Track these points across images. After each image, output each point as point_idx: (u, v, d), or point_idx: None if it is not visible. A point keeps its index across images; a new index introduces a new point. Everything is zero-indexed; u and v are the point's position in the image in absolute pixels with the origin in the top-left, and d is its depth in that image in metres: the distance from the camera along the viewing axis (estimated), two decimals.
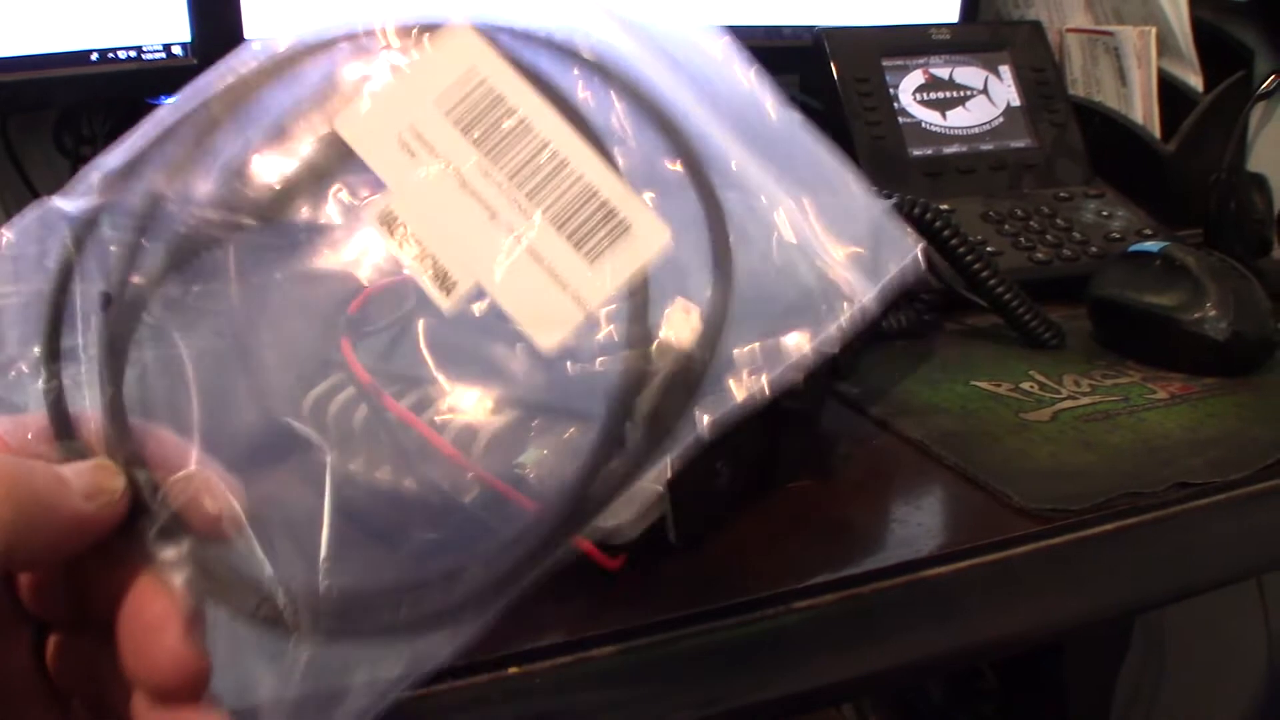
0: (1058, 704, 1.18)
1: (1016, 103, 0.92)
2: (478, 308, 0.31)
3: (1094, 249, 0.83)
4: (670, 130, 0.31)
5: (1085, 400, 0.62)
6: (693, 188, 0.31)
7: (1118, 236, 0.84)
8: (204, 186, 0.33)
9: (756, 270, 0.31)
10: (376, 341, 0.44)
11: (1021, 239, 0.83)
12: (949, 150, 0.89)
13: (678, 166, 0.31)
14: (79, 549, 0.28)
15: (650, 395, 0.30)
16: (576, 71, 0.32)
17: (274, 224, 0.33)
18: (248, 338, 0.36)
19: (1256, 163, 0.99)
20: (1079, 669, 1.18)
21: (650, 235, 0.31)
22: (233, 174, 0.33)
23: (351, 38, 0.33)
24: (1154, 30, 0.97)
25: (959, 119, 0.90)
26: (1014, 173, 0.90)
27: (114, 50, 0.79)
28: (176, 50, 0.82)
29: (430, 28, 0.32)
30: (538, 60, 0.32)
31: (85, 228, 0.32)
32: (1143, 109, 0.97)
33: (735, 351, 0.31)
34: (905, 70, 0.90)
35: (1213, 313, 0.65)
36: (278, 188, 0.33)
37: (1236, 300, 0.66)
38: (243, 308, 0.35)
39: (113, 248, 0.32)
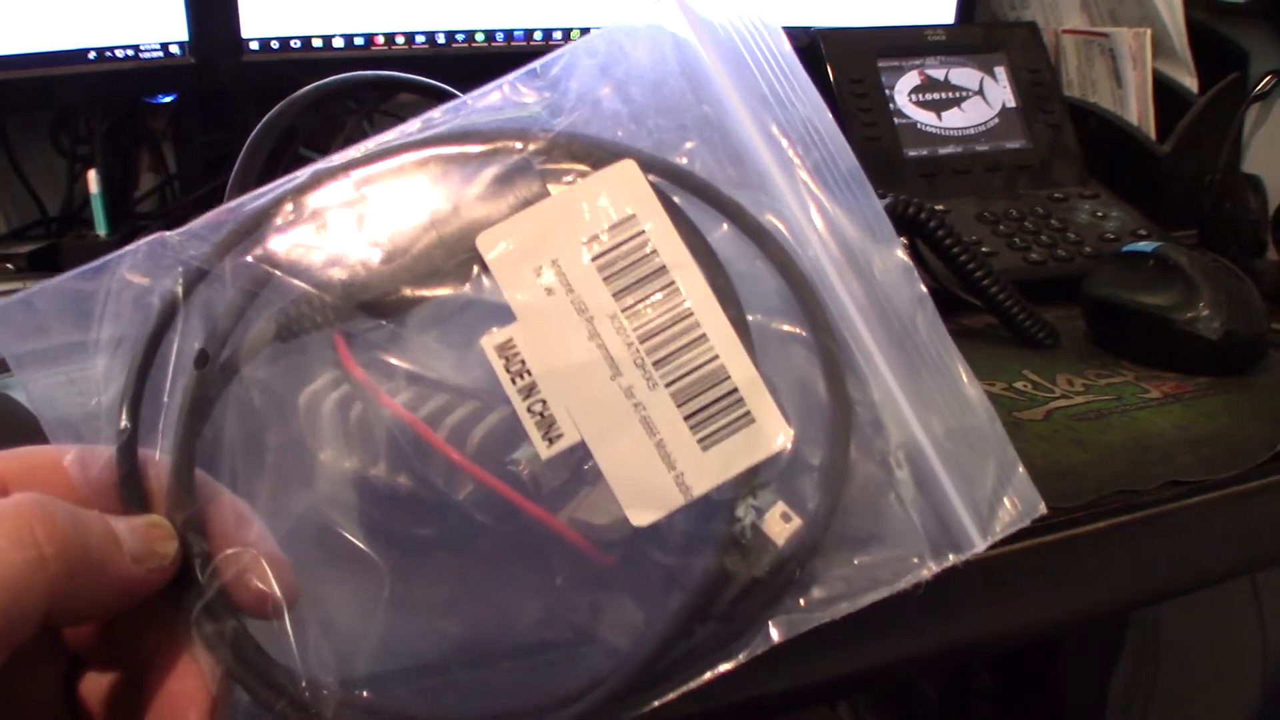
0: (1053, 704, 1.18)
1: (1012, 104, 0.92)
2: None
3: (1088, 249, 0.83)
4: (817, 323, 0.30)
5: (1079, 399, 0.63)
6: (825, 387, 0.29)
7: (1112, 237, 0.85)
8: (327, 265, 0.31)
9: (867, 485, 0.30)
10: (372, 337, 0.44)
11: (1016, 239, 0.83)
12: (944, 151, 0.89)
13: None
14: (120, 609, 0.28)
15: (728, 598, 0.29)
16: (726, 226, 0.30)
17: (386, 323, 0.32)
18: (322, 433, 0.34)
19: (1251, 164, 0.99)
20: (1074, 669, 1.18)
21: (772, 434, 0.29)
22: (359, 263, 0.31)
23: (519, 137, 0.31)
24: (1149, 31, 0.97)
25: (954, 120, 0.90)
26: (1009, 173, 0.90)
27: (111, 49, 0.80)
28: (174, 49, 0.82)
29: (599, 154, 0.31)
30: (695, 213, 0.31)
31: (197, 277, 0.31)
32: (1138, 110, 0.98)
33: (823, 569, 0.30)
34: (901, 71, 0.91)
35: (1206, 313, 0.66)
36: (403, 291, 0.31)
37: (1230, 300, 0.66)
38: (322, 401, 0.34)
39: (220, 306, 0.31)
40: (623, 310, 0.29)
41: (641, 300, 0.30)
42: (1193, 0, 0.99)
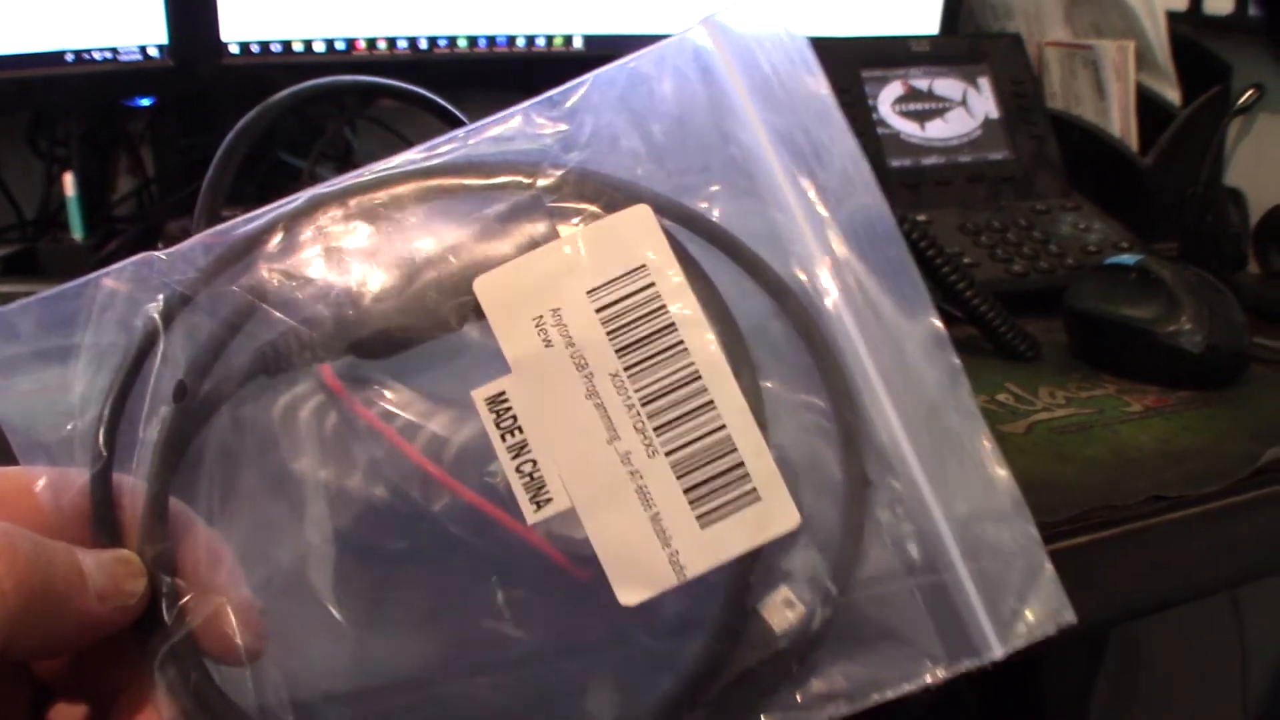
0: (1034, 717, 1.18)
1: (995, 115, 0.92)
2: None
3: (1070, 261, 0.83)
4: (838, 393, 0.28)
5: (1060, 412, 0.62)
6: (842, 465, 0.27)
7: (1094, 249, 0.85)
8: (317, 299, 0.30)
9: (880, 575, 0.28)
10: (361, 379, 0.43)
11: (998, 251, 0.83)
12: (927, 161, 0.89)
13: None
14: (82, 644, 0.28)
15: (719, 687, 0.28)
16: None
17: (370, 364, 0.30)
18: (305, 472, 0.33)
19: (1233, 177, 1.00)
20: (1055, 683, 1.18)
21: (778, 516, 0.27)
22: (350, 299, 0.29)
23: (528, 173, 0.29)
24: (1132, 44, 0.98)
25: (937, 130, 0.90)
26: (992, 185, 0.90)
27: (89, 51, 0.79)
28: (153, 52, 0.81)
29: (611, 195, 0.28)
30: (712, 264, 0.28)
31: (180, 303, 0.29)
32: (1120, 122, 0.98)
33: (824, 663, 0.27)
34: (884, 81, 0.91)
35: (1188, 326, 0.65)
36: (395, 332, 0.29)
37: (1212, 314, 0.66)
38: (305, 440, 0.32)
39: (203, 335, 0.29)
40: (625, 369, 0.27)
41: (647, 359, 0.27)
42: (1176, 14, 0.99)
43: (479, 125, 0.30)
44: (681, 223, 0.29)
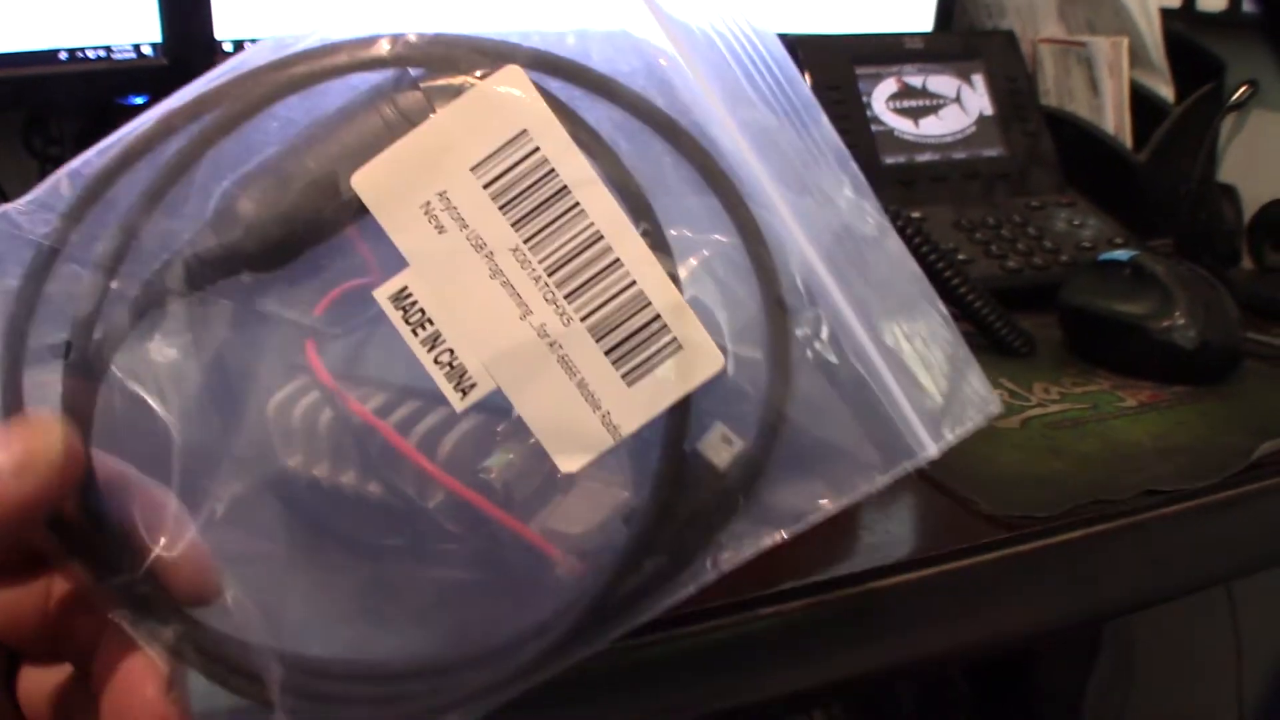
0: (1028, 712, 1.18)
1: (989, 112, 0.92)
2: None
3: (1065, 258, 0.83)
4: (744, 226, 0.27)
5: (1054, 408, 0.63)
6: (760, 298, 0.27)
7: (1088, 245, 0.85)
8: (192, 221, 0.28)
9: (811, 398, 0.28)
10: (343, 344, 0.43)
11: (993, 247, 0.83)
12: (921, 158, 0.89)
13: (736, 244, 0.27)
14: (13, 531, 0.26)
15: (674, 529, 0.28)
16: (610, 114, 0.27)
17: (261, 279, 0.29)
18: (223, 392, 0.31)
19: (1227, 173, 1.00)
20: (1049, 677, 1.18)
21: (703, 360, 0.27)
22: (222, 215, 0.28)
23: (387, 51, 0.28)
24: (1126, 41, 0.98)
25: (931, 127, 0.90)
26: (986, 181, 0.90)
27: (83, 50, 0.79)
28: (146, 50, 0.81)
29: (478, 59, 0.27)
30: (596, 115, 0.27)
31: (49, 256, 0.28)
32: (1114, 119, 0.98)
33: (770, 489, 0.28)
34: (878, 78, 0.91)
35: (1182, 321, 0.66)
36: (274, 241, 0.28)
37: (1205, 309, 0.66)
38: (220, 362, 0.31)
39: (78, 287, 0.28)
40: (525, 241, 0.27)
41: (545, 228, 0.27)
42: (1170, 10, 0.99)
43: (326, 13, 0.29)
44: (557, 75, 0.27)
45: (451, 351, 0.27)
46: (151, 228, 0.28)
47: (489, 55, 0.27)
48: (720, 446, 0.27)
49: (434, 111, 0.27)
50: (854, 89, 0.89)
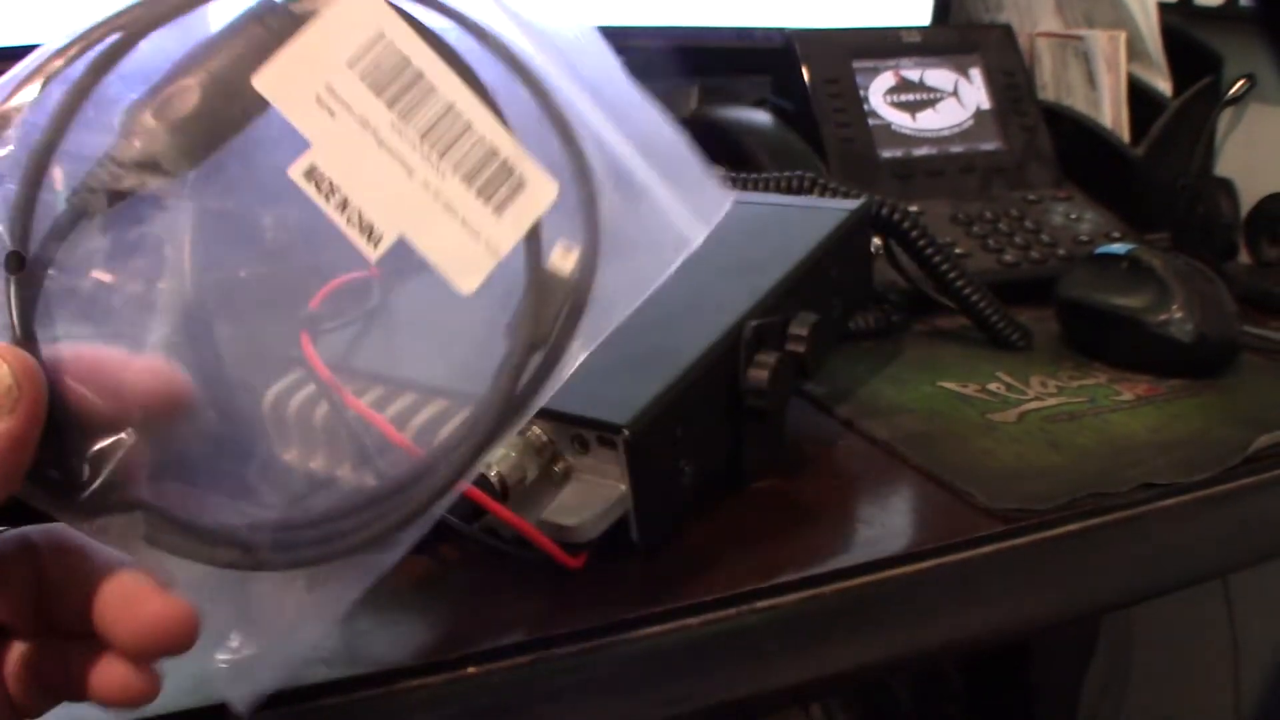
0: (1024, 706, 1.19)
1: (986, 106, 0.92)
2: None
3: (1062, 251, 0.83)
4: (541, 94, 0.34)
5: (1051, 401, 0.63)
6: (564, 151, 0.34)
7: (1086, 239, 0.85)
8: (101, 136, 0.32)
9: (614, 210, 0.35)
10: (338, 337, 0.43)
11: (990, 241, 0.83)
12: (919, 152, 0.89)
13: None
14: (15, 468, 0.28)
15: (547, 329, 0.34)
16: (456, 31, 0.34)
17: (176, 175, 0.33)
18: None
19: (1224, 167, 1.00)
20: (1045, 671, 1.18)
21: (542, 188, 0.34)
22: (128, 128, 0.32)
23: None
24: (1123, 35, 0.98)
25: (929, 121, 0.90)
26: (983, 175, 0.90)
27: None
28: None
29: None
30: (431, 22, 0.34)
31: None
32: (1112, 113, 0.98)
33: (602, 284, 0.34)
34: (876, 72, 0.91)
35: (1179, 315, 0.66)
36: (184, 146, 0.32)
37: (1202, 303, 0.66)
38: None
39: (5, 203, 0.31)
40: (399, 117, 0.33)
41: (412, 105, 0.33)
42: (1167, 4, 0.99)
43: None
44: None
45: (360, 212, 0.33)
46: (71, 143, 0.32)
47: None
48: (564, 256, 0.34)
49: (308, 22, 0.33)
50: (851, 83, 0.89)
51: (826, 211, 0.60)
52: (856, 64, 0.90)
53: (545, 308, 0.34)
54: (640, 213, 0.35)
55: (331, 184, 0.33)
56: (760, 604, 0.43)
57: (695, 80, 1.02)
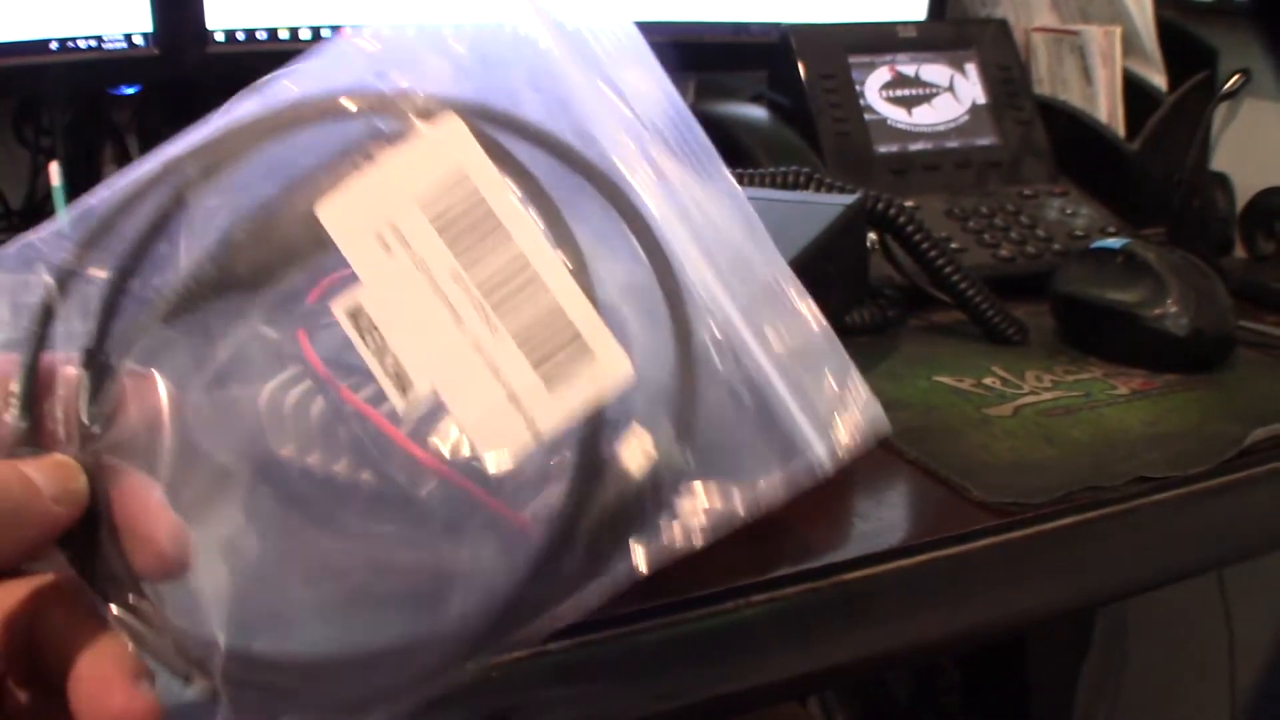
0: (1021, 700, 1.19)
1: (982, 101, 0.92)
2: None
3: (1057, 246, 0.83)
4: (653, 252, 0.31)
5: (1047, 395, 0.63)
6: (669, 316, 0.30)
7: (1081, 234, 0.85)
8: (189, 248, 0.32)
9: (718, 413, 0.31)
10: (335, 332, 0.43)
11: (986, 236, 0.83)
12: (914, 147, 0.89)
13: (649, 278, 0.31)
14: (43, 547, 0.30)
15: (591, 524, 0.30)
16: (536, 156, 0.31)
17: (245, 297, 0.32)
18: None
19: (1219, 162, 1.00)
20: (1042, 665, 1.18)
21: (613, 367, 0.30)
22: (212, 244, 0.32)
23: (351, 102, 0.32)
24: (1119, 30, 0.98)
25: (925, 116, 0.90)
26: (979, 170, 0.90)
27: (74, 40, 0.78)
28: (138, 40, 0.81)
29: (426, 108, 0.32)
30: (520, 152, 0.31)
31: (68, 277, 0.32)
32: (1107, 108, 0.98)
33: (679, 498, 0.30)
34: (872, 67, 0.91)
35: (1174, 309, 0.66)
36: (255, 264, 0.32)
37: (1198, 297, 0.66)
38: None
39: (94, 303, 0.32)
40: (461, 263, 0.30)
41: (478, 252, 0.30)
42: None
43: (298, 64, 0.34)
44: (492, 124, 0.32)
45: (395, 358, 0.31)
46: (153, 255, 0.32)
47: (434, 105, 0.32)
48: (637, 455, 0.30)
49: (383, 154, 0.31)
50: (847, 77, 0.89)
51: (822, 206, 0.60)
52: (852, 59, 0.90)
53: (595, 503, 0.30)
54: (754, 424, 0.31)
55: (374, 326, 0.31)
56: (756, 598, 0.43)
57: (691, 75, 1.02)
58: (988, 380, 0.65)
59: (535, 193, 0.31)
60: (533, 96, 0.32)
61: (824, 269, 0.56)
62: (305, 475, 0.34)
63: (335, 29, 0.85)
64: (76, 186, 0.90)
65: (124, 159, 0.95)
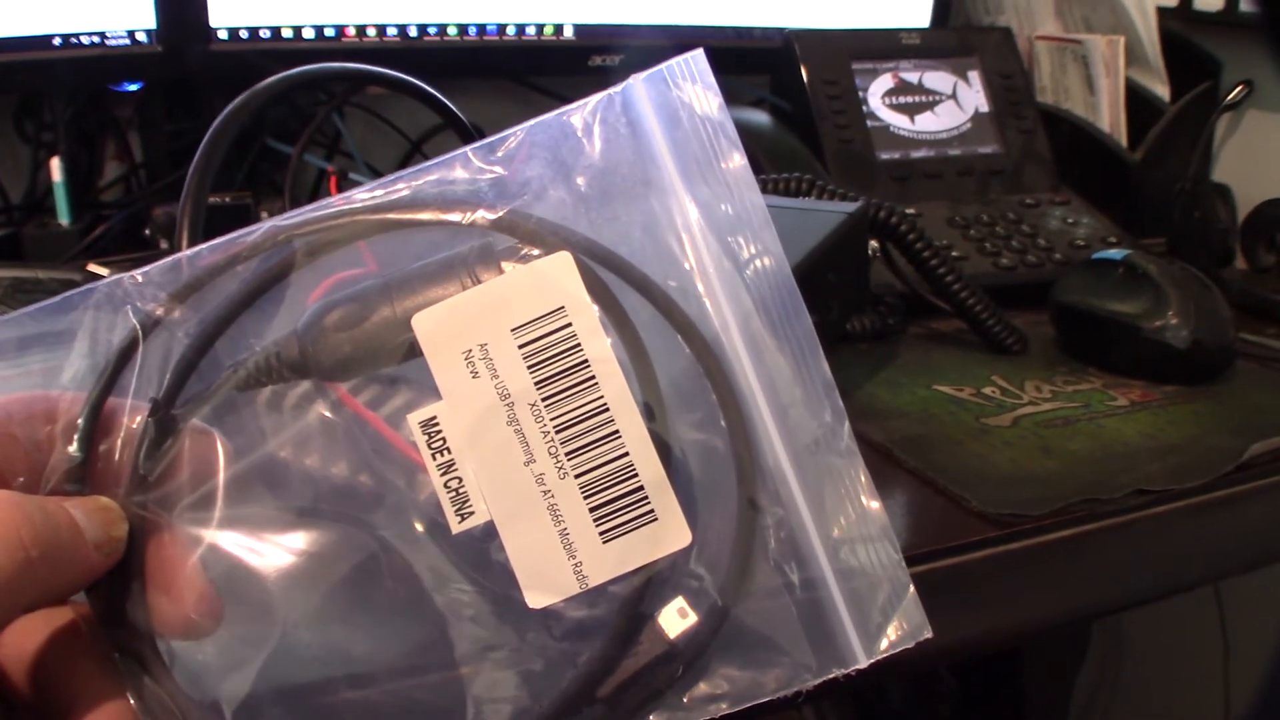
0: (1015, 709, 1.19)
1: (985, 109, 0.92)
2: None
3: (1058, 256, 0.83)
4: (734, 429, 0.31)
5: (1046, 406, 0.63)
6: (737, 494, 0.30)
7: (1082, 244, 0.85)
8: (280, 326, 0.32)
9: (763, 591, 0.31)
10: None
11: (987, 244, 0.83)
12: (916, 155, 0.89)
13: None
14: (75, 591, 0.30)
15: (613, 684, 0.30)
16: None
17: (319, 384, 0.33)
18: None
19: (1221, 173, 1.00)
20: (1037, 674, 1.18)
21: (673, 535, 0.30)
22: (304, 329, 0.32)
23: (468, 210, 0.32)
24: (1122, 40, 0.98)
25: (927, 124, 0.90)
26: (981, 178, 0.90)
27: (77, 36, 0.78)
28: (141, 37, 0.81)
29: (539, 239, 0.31)
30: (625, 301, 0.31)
31: (152, 325, 0.32)
32: (1110, 117, 0.98)
33: (709, 667, 0.30)
34: (875, 74, 0.91)
35: (1174, 321, 0.66)
36: (339, 355, 0.32)
37: (1198, 309, 0.66)
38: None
39: (174, 356, 0.32)
40: (543, 399, 0.30)
41: (562, 391, 0.30)
42: (1166, 9, 0.99)
43: (423, 167, 0.33)
44: (603, 264, 0.31)
45: (460, 479, 0.31)
46: (242, 322, 0.32)
47: (547, 237, 0.31)
48: (673, 616, 0.30)
49: (488, 278, 0.31)
50: (851, 84, 0.89)
51: (824, 214, 0.60)
52: (855, 65, 0.90)
53: (627, 662, 0.30)
54: (797, 608, 0.31)
55: (444, 441, 0.31)
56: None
57: None
58: (987, 390, 0.65)
59: (632, 344, 0.31)
60: (645, 241, 0.32)
61: (826, 276, 0.56)
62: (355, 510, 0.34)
63: (339, 29, 0.85)
64: (77, 182, 0.90)
65: (125, 155, 0.95)
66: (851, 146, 0.87)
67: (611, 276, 0.32)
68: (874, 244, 0.71)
